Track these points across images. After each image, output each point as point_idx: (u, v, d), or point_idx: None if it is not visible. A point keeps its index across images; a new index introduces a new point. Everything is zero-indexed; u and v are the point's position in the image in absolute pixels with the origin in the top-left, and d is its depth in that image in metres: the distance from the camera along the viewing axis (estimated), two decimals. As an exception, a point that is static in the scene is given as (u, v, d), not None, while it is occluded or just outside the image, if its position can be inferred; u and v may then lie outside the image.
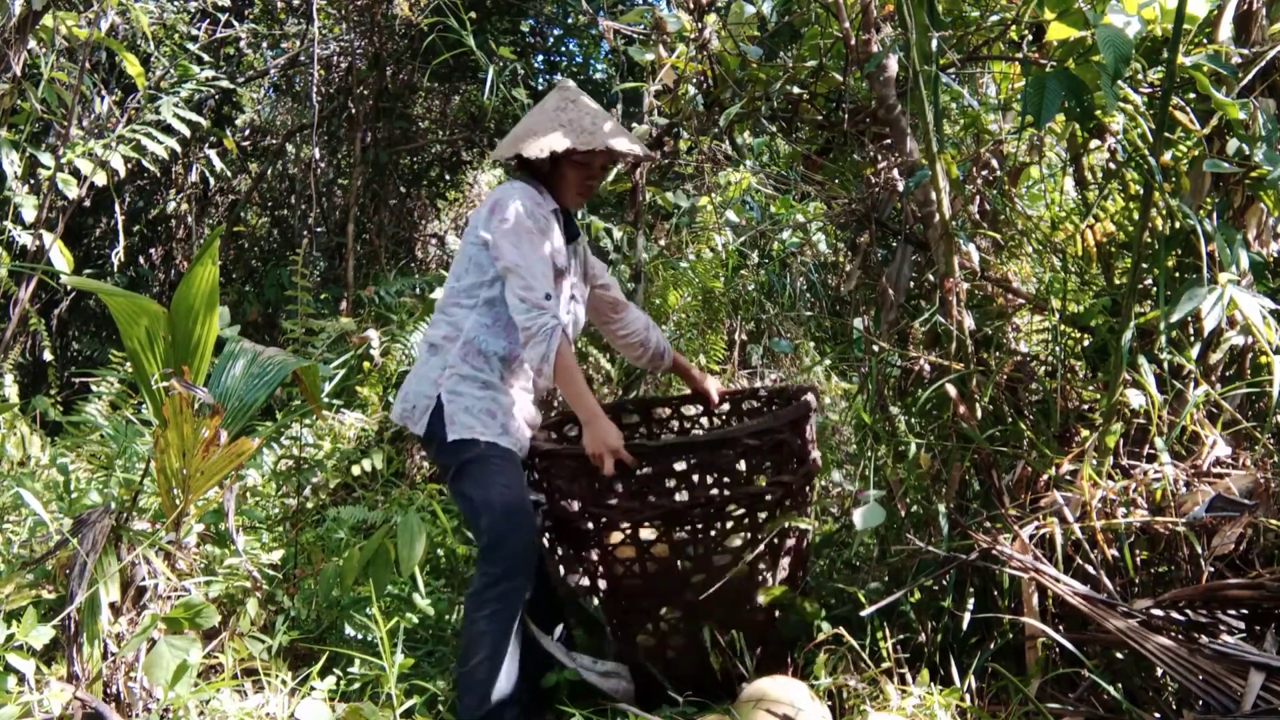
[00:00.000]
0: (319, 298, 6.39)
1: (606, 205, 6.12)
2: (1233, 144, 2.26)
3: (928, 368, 2.61)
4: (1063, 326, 2.64)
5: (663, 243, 4.80)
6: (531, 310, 2.36)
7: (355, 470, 4.06)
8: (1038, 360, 2.80)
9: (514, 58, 5.74)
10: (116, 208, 5.89)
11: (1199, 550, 2.11)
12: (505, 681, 2.34)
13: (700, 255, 4.90)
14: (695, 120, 3.60)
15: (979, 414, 2.52)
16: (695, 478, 2.55)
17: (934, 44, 2.33)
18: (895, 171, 3.05)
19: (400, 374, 4.94)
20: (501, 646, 2.33)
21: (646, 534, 2.47)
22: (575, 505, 2.47)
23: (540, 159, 2.45)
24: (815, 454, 2.59)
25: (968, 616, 2.32)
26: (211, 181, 7.74)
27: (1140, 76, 2.45)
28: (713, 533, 2.41)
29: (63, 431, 4.29)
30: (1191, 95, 2.31)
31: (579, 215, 4.17)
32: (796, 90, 3.36)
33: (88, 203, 6.49)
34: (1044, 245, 2.98)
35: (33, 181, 4.14)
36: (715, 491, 2.54)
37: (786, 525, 2.42)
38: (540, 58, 7.98)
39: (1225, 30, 2.30)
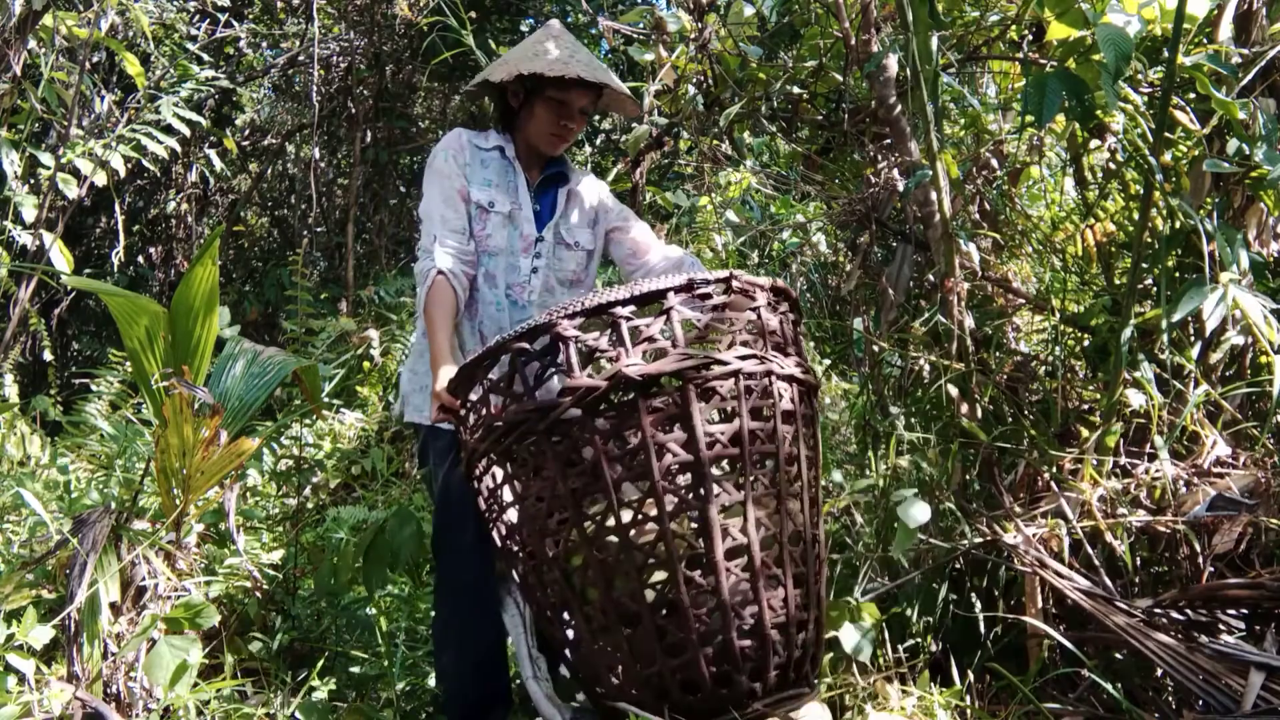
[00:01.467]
0: (319, 298, 6.38)
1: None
2: (1233, 144, 2.26)
3: (928, 368, 2.61)
4: (1063, 326, 2.64)
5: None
6: (421, 258, 2.24)
7: (355, 470, 4.06)
8: (1038, 360, 2.80)
9: (514, 57, 5.73)
10: (116, 208, 5.89)
11: (1199, 550, 2.11)
12: (481, 681, 2.25)
13: (700, 255, 4.90)
14: (695, 120, 3.60)
15: (979, 414, 2.52)
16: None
17: (934, 43, 2.33)
18: (895, 171, 3.05)
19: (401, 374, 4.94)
20: (465, 648, 2.24)
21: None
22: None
23: (514, 94, 2.33)
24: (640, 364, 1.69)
25: (968, 616, 2.33)
26: (211, 181, 7.74)
27: (1140, 76, 2.45)
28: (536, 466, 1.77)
29: (63, 431, 4.29)
30: (1191, 95, 2.31)
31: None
32: (796, 90, 3.36)
33: (88, 203, 6.49)
34: (1044, 245, 2.98)
35: (33, 181, 4.14)
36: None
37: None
38: (540, 57, 7.97)
39: (1225, 30, 2.30)
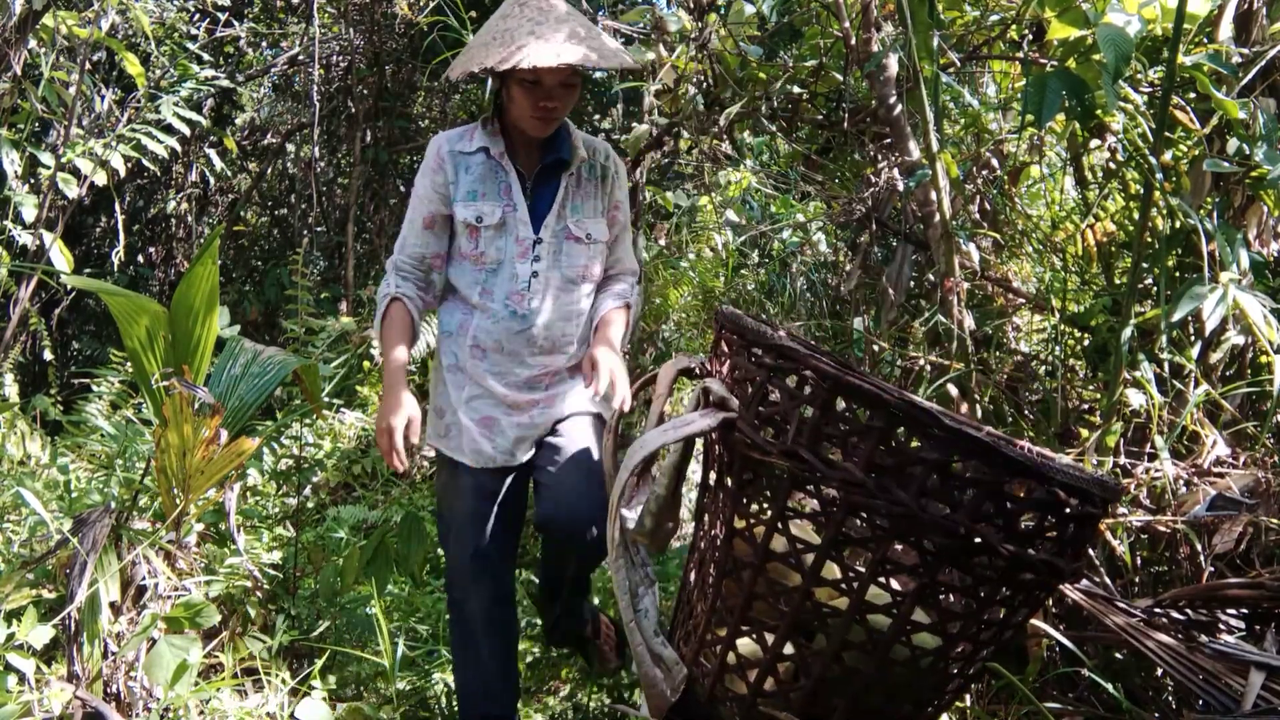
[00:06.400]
0: (319, 298, 6.38)
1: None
2: (1233, 143, 2.26)
3: (928, 368, 2.61)
4: (1063, 326, 2.65)
5: (663, 242, 4.80)
6: (381, 282, 2.20)
7: (355, 470, 4.06)
8: (1038, 360, 2.80)
9: (514, 57, 5.73)
10: (116, 207, 5.88)
11: (1199, 550, 2.11)
12: (481, 699, 2.23)
13: (700, 255, 4.90)
14: (695, 120, 3.60)
15: (979, 414, 2.52)
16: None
17: (934, 43, 2.33)
18: (895, 171, 3.06)
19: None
20: (460, 655, 2.25)
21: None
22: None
23: (491, 79, 2.17)
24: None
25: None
26: (211, 181, 7.74)
27: (1140, 76, 2.45)
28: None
29: (63, 431, 4.29)
30: (1192, 95, 2.31)
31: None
32: (796, 90, 3.36)
33: (88, 202, 6.50)
34: (1044, 245, 2.98)
35: (33, 181, 4.14)
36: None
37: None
38: (540, 57, 7.97)
39: (1225, 30, 2.30)
